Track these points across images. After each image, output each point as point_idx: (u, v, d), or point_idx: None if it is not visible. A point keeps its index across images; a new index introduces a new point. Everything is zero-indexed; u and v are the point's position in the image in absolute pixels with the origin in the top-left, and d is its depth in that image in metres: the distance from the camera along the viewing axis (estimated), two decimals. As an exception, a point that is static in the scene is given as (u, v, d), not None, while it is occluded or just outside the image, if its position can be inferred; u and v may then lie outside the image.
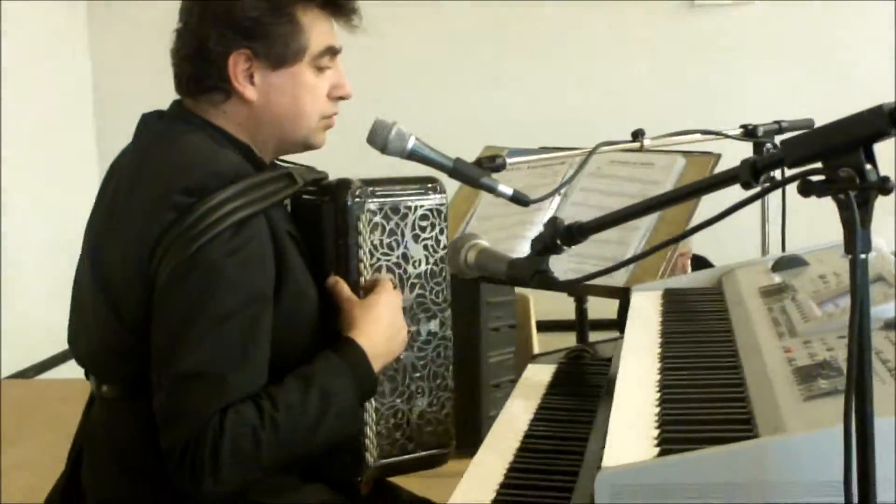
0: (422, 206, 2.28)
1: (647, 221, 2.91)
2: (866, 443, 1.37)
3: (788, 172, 1.38)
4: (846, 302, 2.05)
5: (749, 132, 2.72)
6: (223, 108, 2.17)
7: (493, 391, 3.55)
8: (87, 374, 2.27)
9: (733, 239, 3.56)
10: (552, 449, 2.14)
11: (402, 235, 2.26)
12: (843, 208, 1.32)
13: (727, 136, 2.75)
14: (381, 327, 2.17)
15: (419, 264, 2.29)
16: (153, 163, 2.12)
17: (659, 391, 1.90)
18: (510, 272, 1.73)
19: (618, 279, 2.84)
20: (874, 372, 1.63)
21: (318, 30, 2.19)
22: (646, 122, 2.86)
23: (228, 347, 1.96)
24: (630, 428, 1.74)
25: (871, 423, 1.37)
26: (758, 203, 2.81)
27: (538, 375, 2.65)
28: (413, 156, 2.27)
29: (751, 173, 1.42)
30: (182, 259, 1.97)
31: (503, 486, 2.01)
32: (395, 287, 2.23)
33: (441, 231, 2.30)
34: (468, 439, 3.50)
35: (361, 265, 2.21)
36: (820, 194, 1.33)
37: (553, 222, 1.64)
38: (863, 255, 1.32)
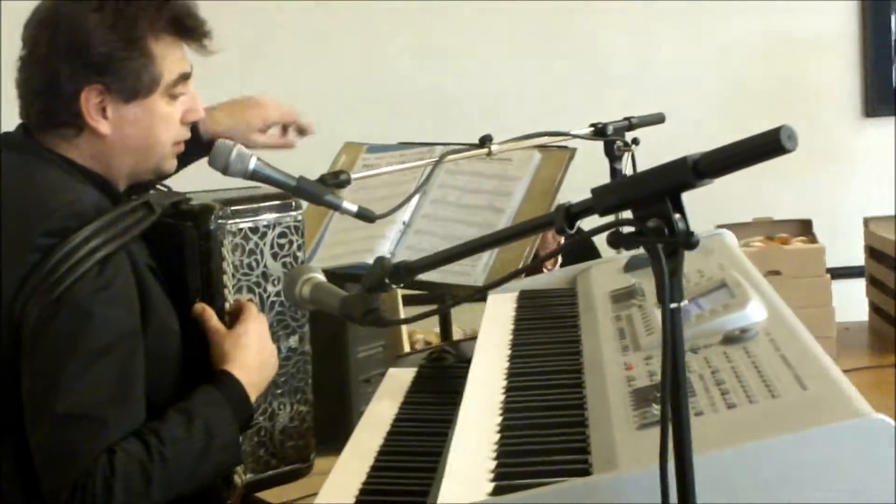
0: (280, 224, 2.28)
1: (505, 218, 2.91)
2: (685, 485, 1.37)
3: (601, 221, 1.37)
4: (692, 311, 2.07)
5: (599, 131, 2.72)
6: (75, 143, 2.12)
7: (362, 386, 3.55)
8: None
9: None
10: (412, 451, 2.16)
11: (262, 254, 2.26)
12: (653, 258, 1.31)
13: (575, 136, 2.75)
14: (252, 356, 2.17)
15: (278, 282, 2.28)
16: (10, 202, 2.06)
17: (501, 415, 1.91)
18: (343, 310, 1.72)
19: (476, 277, 2.83)
20: (709, 396, 1.67)
21: (171, 58, 2.15)
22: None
23: (105, 386, 1.94)
24: (469, 459, 1.74)
25: (690, 466, 1.37)
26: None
27: (399, 378, 2.64)
28: (255, 176, 2.25)
29: (564, 219, 1.41)
30: (49, 301, 1.94)
31: (364, 488, 2.02)
32: (259, 310, 2.23)
33: (298, 247, 2.31)
34: (338, 435, 3.51)
35: (226, 290, 2.20)
36: (628, 246, 1.33)
37: (380, 262, 1.62)
38: (673, 305, 1.31)
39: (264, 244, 2.26)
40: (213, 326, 2.17)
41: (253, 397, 2.15)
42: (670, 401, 1.33)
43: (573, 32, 5.91)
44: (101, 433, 1.91)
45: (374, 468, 2.11)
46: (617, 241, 1.35)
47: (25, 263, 1.96)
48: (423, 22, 6.22)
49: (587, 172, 2.91)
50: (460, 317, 4.41)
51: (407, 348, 3.88)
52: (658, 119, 2.92)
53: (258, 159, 2.26)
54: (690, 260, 2.33)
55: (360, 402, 3.65)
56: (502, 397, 1.99)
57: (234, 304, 2.22)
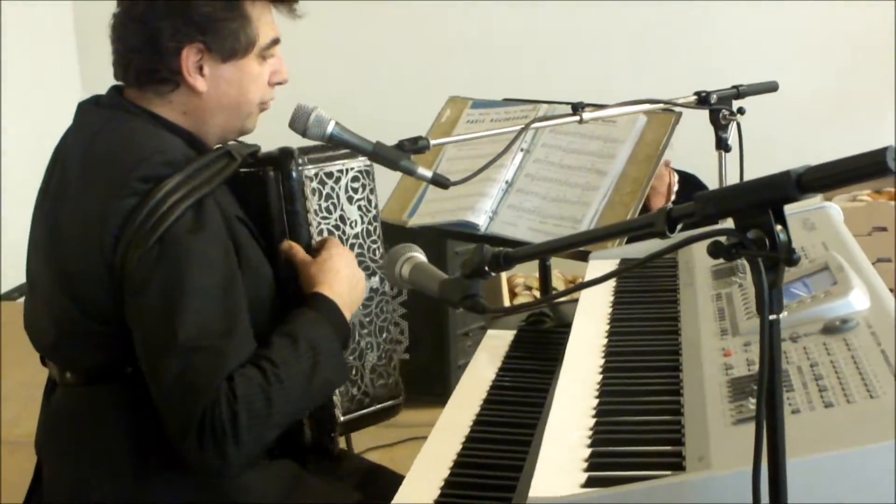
0: (352, 169, 2.38)
1: (608, 180, 2.89)
2: (778, 492, 1.37)
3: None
4: (796, 294, 2.04)
5: (703, 99, 2.67)
6: (169, 98, 2.19)
7: (461, 340, 3.59)
8: (43, 361, 2.29)
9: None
10: (507, 422, 2.17)
11: (338, 198, 2.35)
12: (753, 271, 1.30)
13: (678, 105, 2.70)
14: (341, 278, 2.24)
15: (355, 225, 2.38)
16: (103, 152, 2.13)
17: (598, 397, 1.91)
18: (441, 293, 1.73)
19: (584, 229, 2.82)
20: (806, 393, 1.65)
21: (265, 21, 2.22)
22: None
23: (215, 318, 2.01)
24: (563, 445, 1.75)
25: (783, 476, 1.37)
26: (714, 162, 2.81)
27: (498, 340, 2.65)
28: (333, 139, 2.29)
29: (665, 222, 1.40)
30: (149, 245, 2.01)
31: (458, 460, 2.04)
32: (320, 230, 2.31)
33: (371, 191, 2.41)
34: (436, 388, 3.55)
35: (311, 228, 2.29)
36: (729, 257, 1.32)
37: (480, 250, 1.63)
38: (773, 317, 1.30)
39: (339, 188, 2.36)
40: (301, 259, 2.26)
41: (346, 313, 2.23)
42: (766, 413, 1.32)
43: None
44: (220, 362, 1.98)
45: (468, 438, 2.12)
46: (717, 252, 1.34)
47: (124, 207, 2.03)
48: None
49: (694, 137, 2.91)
50: (560, 263, 4.42)
51: (507, 301, 3.90)
52: (770, 87, 2.85)
53: (336, 123, 2.29)
54: (796, 234, 2.33)
55: (459, 356, 3.70)
56: (599, 378, 1.99)
57: (319, 242, 2.31)
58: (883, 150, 1.21)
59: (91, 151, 2.14)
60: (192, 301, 1.99)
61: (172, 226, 2.01)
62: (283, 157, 2.28)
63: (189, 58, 2.14)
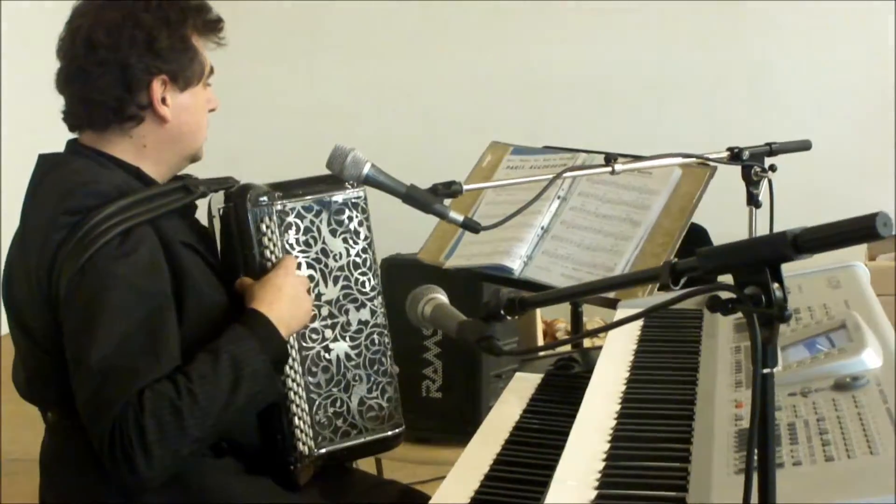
0: (336, 202, 2.43)
1: (641, 231, 2.94)
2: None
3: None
4: (809, 350, 2.09)
5: (735, 155, 2.72)
6: (130, 134, 2.31)
7: (494, 381, 3.62)
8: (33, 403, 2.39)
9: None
10: (527, 462, 2.20)
11: (319, 232, 2.41)
12: (749, 325, 1.36)
13: (710, 161, 2.75)
14: (281, 296, 2.30)
15: (340, 257, 2.44)
16: (40, 194, 2.26)
17: (610, 441, 1.97)
18: (459, 333, 1.79)
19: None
20: (810, 446, 1.69)
21: (204, 52, 2.37)
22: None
23: (133, 338, 2.09)
24: (570, 488, 1.81)
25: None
26: (744, 218, 2.84)
27: (526, 382, 2.70)
28: (368, 181, 2.36)
29: (669, 275, 1.46)
30: (75, 270, 2.11)
31: (476, 497, 2.08)
32: (298, 264, 2.38)
33: (360, 223, 2.46)
34: (467, 428, 3.58)
35: (269, 265, 2.34)
36: (725, 312, 1.38)
37: (497, 294, 1.70)
38: (766, 371, 1.36)
39: (320, 222, 2.42)
40: (247, 283, 2.34)
41: (283, 330, 2.28)
42: (757, 465, 1.37)
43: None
44: (132, 380, 2.06)
45: (487, 477, 2.17)
46: (714, 306, 1.39)
47: (53, 242, 2.15)
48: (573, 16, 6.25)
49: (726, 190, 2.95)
50: (602, 311, 4.46)
51: (541, 341, 3.95)
52: (803, 146, 2.90)
53: (372, 165, 2.36)
54: (818, 291, 2.38)
55: (490, 397, 3.73)
56: (613, 423, 2.04)
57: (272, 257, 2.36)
58: (873, 216, 1.26)
59: (34, 195, 2.28)
60: (108, 321, 2.08)
61: (96, 252, 2.11)
62: (239, 194, 2.37)
63: (156, 90, 2.28)
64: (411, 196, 2.36)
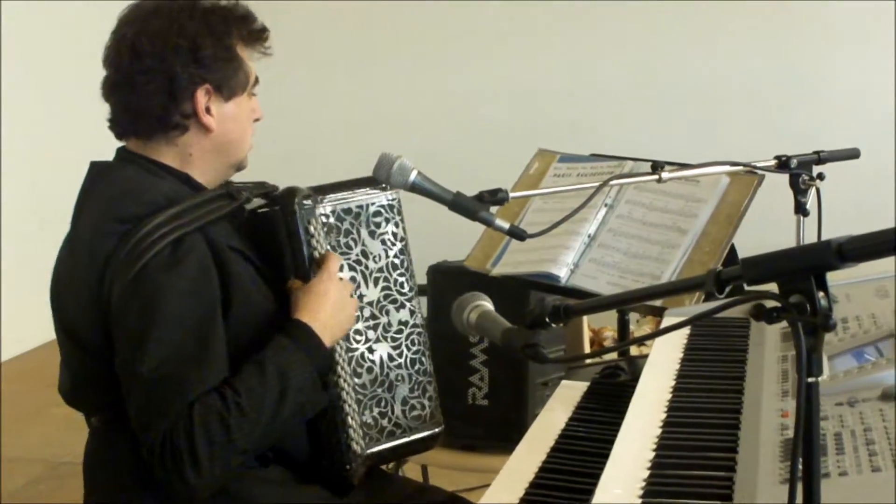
0: (373, 204, 2.45)
1: (688, 239, 2.93)
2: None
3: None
4: (857, 360, 2.08)
5: (783, 163, 2.71)
6: (177, 143, 2.32)
7: (540, 389, 3.62)
8: (76, 409, 2.41)
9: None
10: (572, 470, 2.19)
11: (358, 233, 2.43)
12: (793, 334, 1.36)
13: (757, 169, 2.74)
14: (324, 302, 2.31)
15: (379, 259, 2.46)
16: (93, 203, 2.27)
17: (655, 450, 1.96)
18: (504, 341, 1.79)
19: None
20: (856, 457, 1.69)
21: (248, 62, 2.37)
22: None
23: (184, 348, 2.11)
24: (614, 497, 1.81)
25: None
26: (792, 225, 2.83)
27: (572, 390, 2.70)
28: (414, 188, 2.37)
29: (715, 284, 1.45)
30: (127, 280, 2.12)
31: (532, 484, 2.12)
32: (340, 266, 2.39)
33: (396, 224, 2.49)
34: (512, 435, 3.58)
35: (316, 266, 2.35)
36: (770, 320, 1.37)
37: (542, 301, 1.70)
38: (810, 380, 1.35)
39: (360, 224, 2.44)
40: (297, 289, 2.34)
41: (327, 339, 2.29)
42: (802, 475, 1.37)
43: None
44: (183, 391, 2.08)
45: (532, 484, 2.17)
46: (759, 314, 1.39)
47: (103, 250, 2.16)
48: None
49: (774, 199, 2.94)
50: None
51: (588, 349, 3.94)
52: (851, 154, 2.88)
53: (419, 173, 2.37)
54: (866, 300, 2.37)
55: (536, 405, 3.72)
56: (659, 432, 2.04)
57: (319, 259, 2.37)
58: (919, 225, 1.25)
59: (85, 202, 2.30)
60: (159, 332, 2.10)
61: (148, 262, 2.13)
62: (286, 196, 2.38)
63: (200, 100, 2.29)
64: (457, 203, 2.37)
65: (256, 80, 2.40)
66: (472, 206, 2.37)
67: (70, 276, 2.25)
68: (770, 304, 1.40)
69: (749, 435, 1.93)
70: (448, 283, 3.24)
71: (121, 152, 2.36)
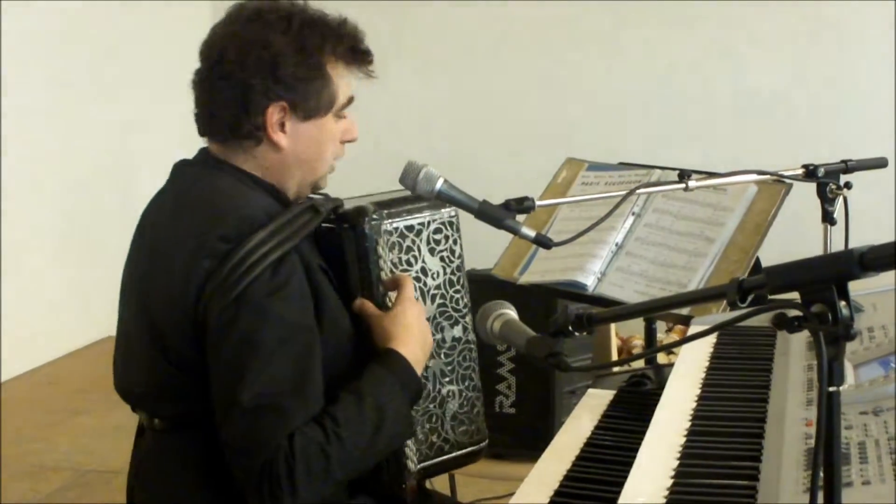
0: (434, 221, 2.45)
1: (716, 247, 2.93)
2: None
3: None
4: (883, 369, 2.08)
5: (810, 172, 2.70)
6: (252, 153, 2.29)
7: (567, 397, 3.62)
8: (133, 408, 2.41)
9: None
10: (597, 479, 2.20)
11: (419, 251, 2.43)
12: (815, 343, 1.36)
13: (785, 178, 2.73)
14: (413, 333, 2.31)
15: (437, 276, 2.45)
16: (188, 210, 2.25)
17: (679, 459, 1.96)
18: (528, 349, 1.80)
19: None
20: (879, 465, 1.69)
21: (343, 82, 2.32)
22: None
23: (285, 378, 2.10)
24: (640, 500, 1.81)
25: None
26: (819, 232, 2.82)
27: (598, 399, 2.70)
28: (441, 196, 2.35)
29: (737, 292, 1.46)
30: (227, 302, 2.11)
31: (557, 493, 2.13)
32: (414, 295, 2.37)
33: (455, 241, 2.48)
34: (538, 444, 3.58)
35: (383, 286, 2.36)
36: (791, 329, 1.38)
37: (565, 310, 1.70)
38: (832, 389, 1.35)
39: (420, 241, 2.43)
40: (373, 313, 2.33)
41: (418, 371, 2.30)
42: (824, 485, 1.37)
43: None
44: (284, 421, 2.07)
45: (556, 493, 2.17)
46: (780, 323, 1.39)
47: (203, 269, 2.14)
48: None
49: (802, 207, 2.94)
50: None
51: (615, 356, 3.93)
52: (879, 163, 2.87)
53: (445, 181, 2.36)
54: (893, 309, 2.36)
55: (563, 414, 3.72)
56: (683, 440, 2.04)
57: (390, 279, 2.36)
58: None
59: (180, 209, 2.26)
60: (262, 361, 2.08)
61: (250, 286, 2.10)
62: (357, 215, 2.36)
63: (273, 115, 2.25)
64: (484, 212, 2.37)
65: (349, 101, 2.34)
66: (499, 215, 2.37)
67: (162, 284, 2.21)
68: (792, 313, 1.40)
69: (773, 444, 1.93)
70: (476, 291, 3.23)
71: (207, 157, 2.33)
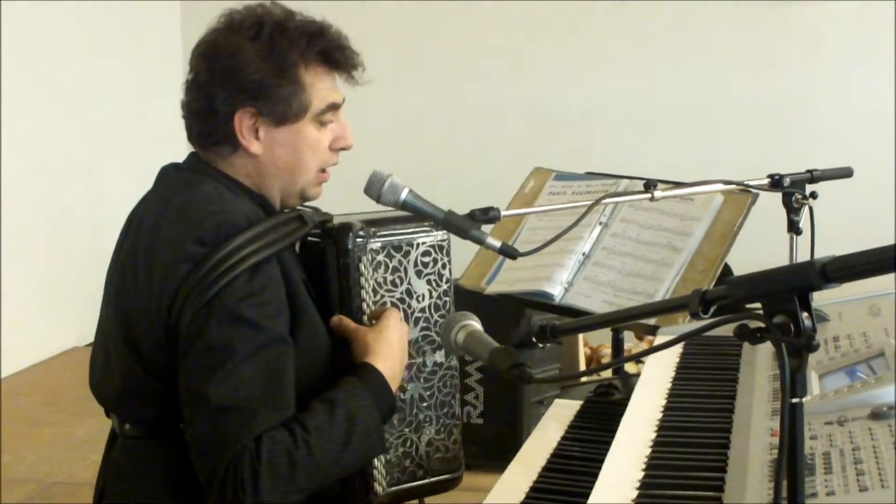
0: (424, 243, 2.42)
1: (682, 257, 2.93)
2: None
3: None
4: (850, 378, 2.08)
5: (776, 182, 2.70)
6: (231, 160, 2.29)
7: (535, 407, 3.63)
8: (107, 413, 2.39)
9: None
10: (563, 490, 2.20)
11: (405, 272, 2.40)
12: (778, 354, 1.36)
13: (750, 188, 2.74)
14: (394, 351, 2.29)
15: (423, 299, 2.42)
16: (169, 214, 2.23)
17: (645, 469, 1.96)
18: (491, 361, 1.79)
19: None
20: (844, 476, 1.69)
21: (321, 87, 2.30)
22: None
23: (254, 383, 2.08)
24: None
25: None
26: (786, 245, 2.83)
27: (565, 409, 2.70)
28: (406, 206, 2.34)
29: (699, 303, 1.45)
30: (200, 305, 2.09)
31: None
32: (400, 318, 2.36)
33: (444, 266, 2.45)
34: (507, 455, 3.58)
35: (364, 304, 2.34)
36: (754, 341, 1.37)
37: (528, 321, 1.70)
38: (794, 400, 1.35)
39: (408, 262, 2.40)
40: (353, 328, 2.31)
41: (393, 386, 2.27)
42: (787, 498, 1.37)
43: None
44: (251, 423, 2.05)
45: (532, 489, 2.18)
46: (743, 335, 1.39)
47: (179, 272, 2.13)
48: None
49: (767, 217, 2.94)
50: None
51: (583, 365, 3.94)
52: (844, 173, 2.88)
53: (410, 191, 2.34)
54: (859, 319, 2.37)
55: (531, 424, 3.73)
56: (648, 451, 2.04)
57: (376, 310, 2.35)
58: (901, 245, 1.26)
59: (163, 214, 2.24)
60: (232, 364, 2.07)
61: (224, 290, 2.09)
62: (342, 231, 2.34)
63: (242, 121, 2.24)
64: (449, 222, 2.36)
65: (330, 107, 2.31)
66: (464, 225, 2.36)
67: (139, 289, 2.20)
68: (754, 324, 1.40)
69: (738, 454, 1.93)
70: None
71: (195, 163, 2.33)
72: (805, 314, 1.37)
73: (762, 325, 1.38)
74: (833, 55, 6.19)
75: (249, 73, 2.22)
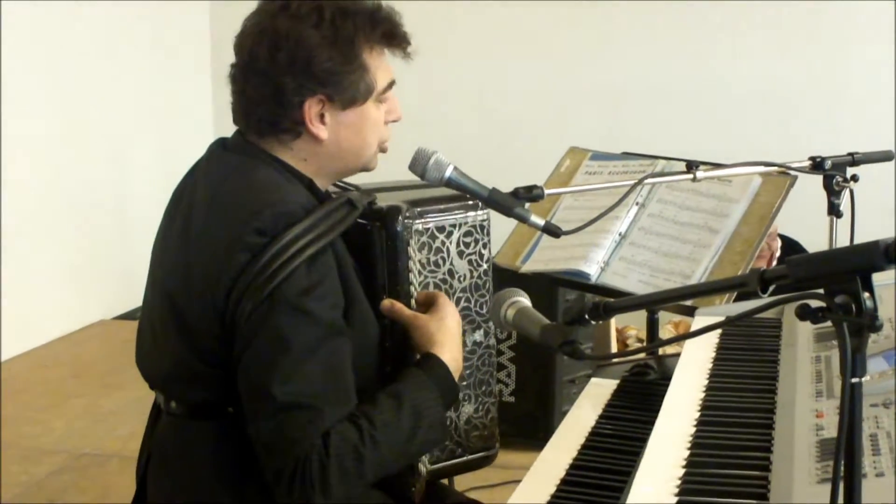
0: (465, 224, 2.41)
1: (720, 239, 2.93)
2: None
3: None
4: (889, 362, 2.08)
5: (817, 164, 2.70)
6: (290, 146, 2.26)
7: (567, 386, 3.64)
8: (152, 387, 2.39)
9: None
10: (603, 468, 2.21)
11: (448, 252, 2.39)
12: (838, 334, 1.36)
13: (791, 169, 2.74)
14: (455, 339, 2.30)
15: (464, 279, 2.42)
16: (225, 200, 2.20)
17: (690, 448, 1.97)
18: (542, 338, 1.80)
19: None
20: (893, 461, 1.69)
21: (381, 67, 2.28)
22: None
23: (318, 377, 2.07)
24: (649, 495, 1.81)
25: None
26: (823, 226, 2.83)
27: (601, 388, 2.70)
28: (450, 184, 2.34)
29: (759, 283, 1.46)
30: (261, 299, 2.07)
31: (552, 501, 2.10)
32: (453, 304, 2.35)
33: (484, 245, 2.45)
34: (538, 432, 3.60)
35: (412, 287, 2.34)
36: (815, 320, 1.38)
37: (582, 298, 1.70)
38: (855, 380, 1.36)
39: (450, 242, 2.40)
40: (410, 314, 2.30)
41: (455, 377, 2.27)
42: (844, 475, 1.37)
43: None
44: (317, 419, 2.04)
45: (563, 481, 2.18)
46: (804, 314, 1.39)
47: (237, 263, 2.10)
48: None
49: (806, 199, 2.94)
50: (673, 317, 4.46)
51: (614, 348, 3.94)
52: (886, 156, 2.87)
53: (455, 168, 2.34)
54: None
55: (564, 402, 3.74)
56: (693, 430, 2.04)
57: (424, 294, 2.35)
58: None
59: (217, 199, 2.21)
60: (295, 359, 2.05)
61: (283, 283, 2.07)
62: (390, 214, 2.33)
63: (311, 109, 2.21)
64: (493, 200, 2.36)
65: (390, 85, 2.30)
66: (508, 203, 2.36)
67: (192, 276, 2.18)
68: (815, 303, 1.40)
69: (784, 435, 1.93)
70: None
71: (245, 145, 2.28)
72: (867, 294, 1.37)
73: (823, 304, 1.38)
74: (866, 38, 6.16)
75: (321, 61, 2.18)
